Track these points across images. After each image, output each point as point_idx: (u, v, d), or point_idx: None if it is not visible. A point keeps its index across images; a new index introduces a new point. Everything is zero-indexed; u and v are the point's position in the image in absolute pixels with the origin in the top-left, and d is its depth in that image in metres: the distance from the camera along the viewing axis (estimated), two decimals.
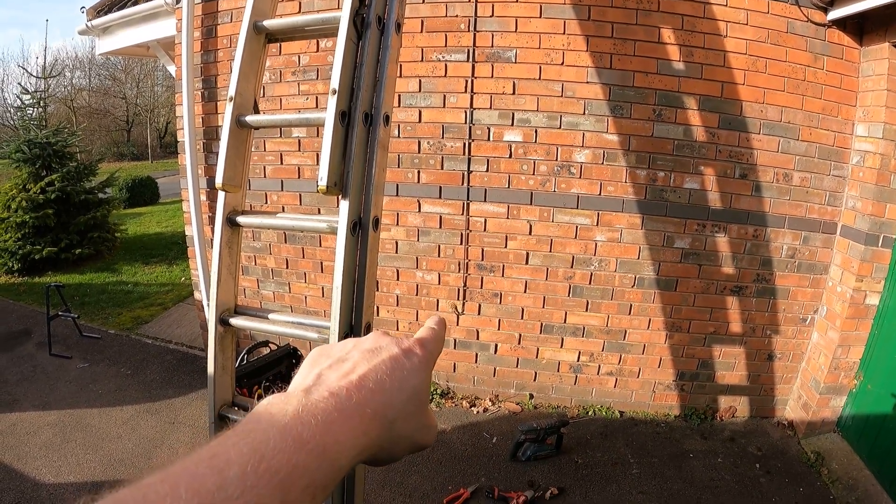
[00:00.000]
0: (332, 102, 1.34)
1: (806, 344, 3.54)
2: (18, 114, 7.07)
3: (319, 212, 3.42)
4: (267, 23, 1.53)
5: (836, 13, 3.26)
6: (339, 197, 1.36)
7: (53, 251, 6.08)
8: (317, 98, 3.32)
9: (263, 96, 3.45)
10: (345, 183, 1.35)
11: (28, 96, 6.91)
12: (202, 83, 3.68)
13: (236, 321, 1.51)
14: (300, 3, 3.19)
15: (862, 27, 3.36)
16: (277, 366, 2.94)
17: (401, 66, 3.10)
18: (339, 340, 1.22)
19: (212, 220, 3.81)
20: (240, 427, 0.30)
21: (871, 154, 3.29)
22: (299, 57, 3.33)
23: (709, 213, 3.20)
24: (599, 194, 3.11)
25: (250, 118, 1.49)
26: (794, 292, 3.42)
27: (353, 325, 1.39)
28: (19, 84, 7.41)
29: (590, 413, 3.50)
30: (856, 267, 3.27)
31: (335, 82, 1.35)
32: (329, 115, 1.33)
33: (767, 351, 3.49)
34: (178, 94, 3.72)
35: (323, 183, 1.31)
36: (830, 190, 3.35)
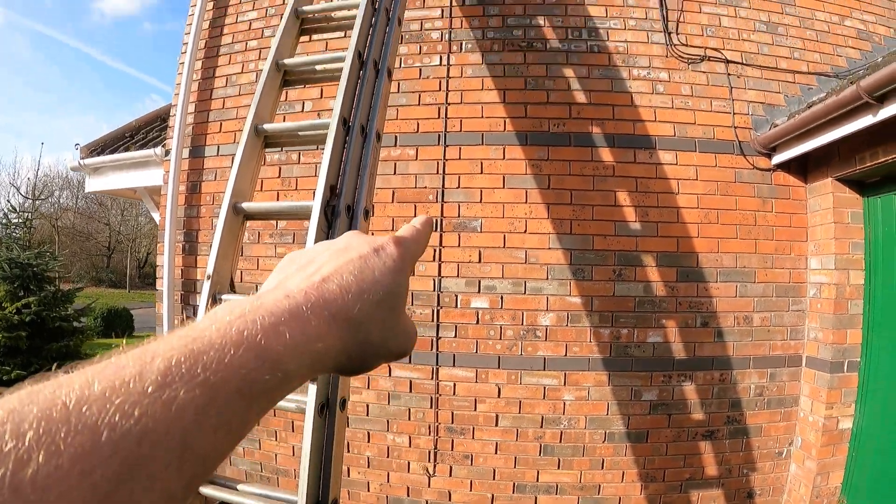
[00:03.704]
0: (318, 196, 1.46)
1: (785, 477, 3.52)
2: (3, 229, 7.04)
3: None
4: (245, 205, 1.64)
5: (779, 157, 3.44)
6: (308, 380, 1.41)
7: (23, 374, 5.89)
8: None
9: (242, 255, 3.47)
10: None
11: (15, 215, 6.93)
12: (184, 236, 3.70)
13: (206, 490, 1.50)
14: (278, 194, 3.28)
15: (805, 166, 3.53)
16: None
17: (372, 233, 3.15)
18: None
19: None
20: (183, 327, 0.27)
21: (826, 285, 3.39)
22: (277, 221, 3.38)
23: (674, 363, 3.24)
24: (565, 355, 3.13)
25: (226, 296, 1.54)
26: (766, 428, 3.43)
27: (320, 502, 1.41)
28: (8, 202, 7.41)
29: None
30: (824, 396, 3.31)
31: (322, 178, 1.48)
32: (315, 207, 1.45)
33: (746, 489, 3.46)
34: (160, 244, 3.72)
35: None
36: (791, 325, 3.42)
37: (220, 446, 0.25)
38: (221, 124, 3.56)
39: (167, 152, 3.69)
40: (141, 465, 0.21)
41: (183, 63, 3.72)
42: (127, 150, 4.18)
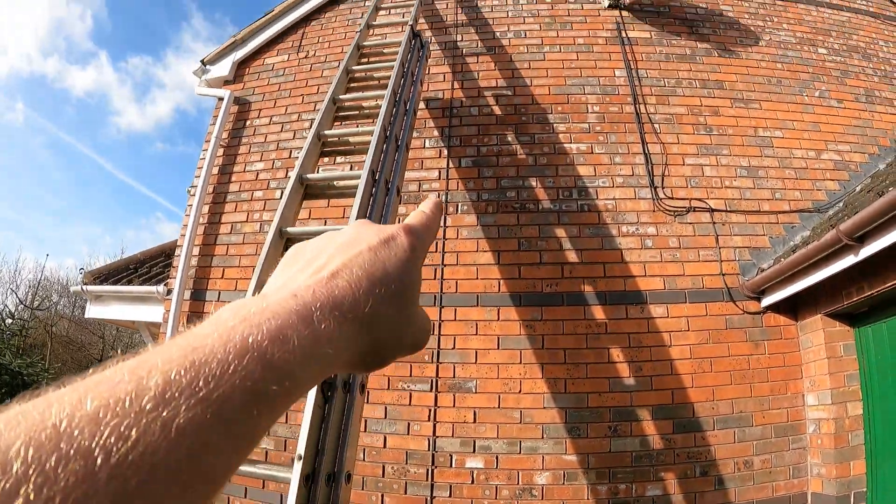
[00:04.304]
0: (297, 467, 1.51)
1: None
2: None
3: None
4: None
5: (768, 300, 3.53)
6: None
7: None
8: None
9: None
10: None
11: (11, 321, 7.02)
12: None
13: None
14: None
15: (795, 305, 3.61)
16: None
17: (368, 392, 3.21)
18: None
19: None
20: (184, 333, 0.25)
21: (825, 420, 3.40)
22: None
23: None
24: None
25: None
26: None
27: None
28: (5, 305, 7.58)
29: None
30: None
31: (301, 448, 1.53)
32: (294, 478, 1.50)
33: None
34: None
35: None
36: (793, 463, 3.41)
37: (227, 462, 0.23)
38: (224, 270, 3.70)
39: (169, 291, 3.81)
40: (140, 492, 0.19)
41: (191, 206, 3.91)
42: (130, 282, 4.29)
